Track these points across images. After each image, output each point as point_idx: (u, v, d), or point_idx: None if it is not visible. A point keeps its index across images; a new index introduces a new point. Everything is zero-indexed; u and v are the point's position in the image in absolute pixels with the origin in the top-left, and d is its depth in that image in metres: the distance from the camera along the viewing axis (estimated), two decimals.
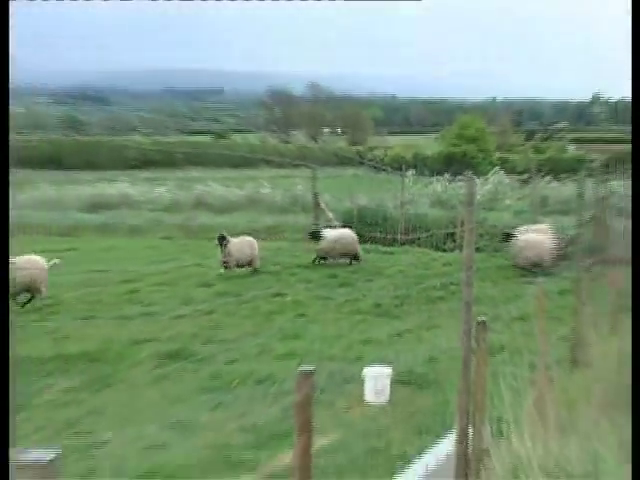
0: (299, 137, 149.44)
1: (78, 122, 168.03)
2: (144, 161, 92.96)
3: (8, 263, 5.12)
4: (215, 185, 47.23)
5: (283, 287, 23.86)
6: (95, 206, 43.59)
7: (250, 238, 28.13)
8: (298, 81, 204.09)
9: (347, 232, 30.05)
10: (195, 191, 44.68)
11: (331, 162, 78.79)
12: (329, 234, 29.47)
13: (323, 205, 36.64)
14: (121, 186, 47.74)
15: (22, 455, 3.98)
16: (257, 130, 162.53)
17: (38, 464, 3.95)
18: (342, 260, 29.41)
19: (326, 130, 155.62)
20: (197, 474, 10.29)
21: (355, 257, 29.65)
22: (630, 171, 7.11)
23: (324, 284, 25.03)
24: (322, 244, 29.12)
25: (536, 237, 26.69)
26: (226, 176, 56.09)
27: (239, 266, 27.30)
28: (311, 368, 6.44)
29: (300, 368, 6.45)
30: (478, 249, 24.31)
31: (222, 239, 27.03)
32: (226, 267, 26.95)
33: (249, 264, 27.62)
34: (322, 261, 29.21)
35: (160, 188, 46.96)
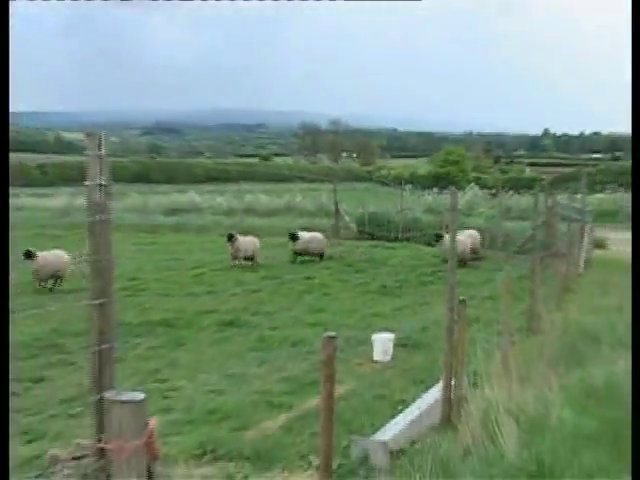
0: (323, 159, 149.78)
1: (159, 148, 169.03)
2: (208, 177, 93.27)
3: (8, 263, 5.08)
4: (261, 195, 47.28)
5: (312, 273, 23.88)
6: (171, 211, 43.77)
7: (253, 237, 27.37)
8: (323, 118, 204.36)
9: (318, 235, 28.86)
10: (246, 200, 44.70)
11: (348, 178, 78.73)
12: (304, 236, 28.26)
13: (342, 211, 36.74)
14: (190, 196, 47.85)
15: (119, 396, 4.01)
16: (292, 154, 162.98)
17: (132, 402, 3.98)
18: (314, 257, 28.27)
19: (344, 154, 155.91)
20: (247, 413, 10.31)
21: (321, 255, 28.33)
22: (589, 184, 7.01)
23: (343, 270, 25.07)
24: (298, 244, 28.06)
25: (459, 237, 25.93)
26: (269, 189, 56.12)
27: (245, 259, 26.50)
28: (333, 334, 6.48)
29: (325, 334, 6.50)
30: None
31: (231, 237, 26.21)
32: (234, 259, 26.26)
33: (251, 258, 26.63)
34: (299, 257, 27.92)
35: (219, 198, 47.08)
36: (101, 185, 4.19)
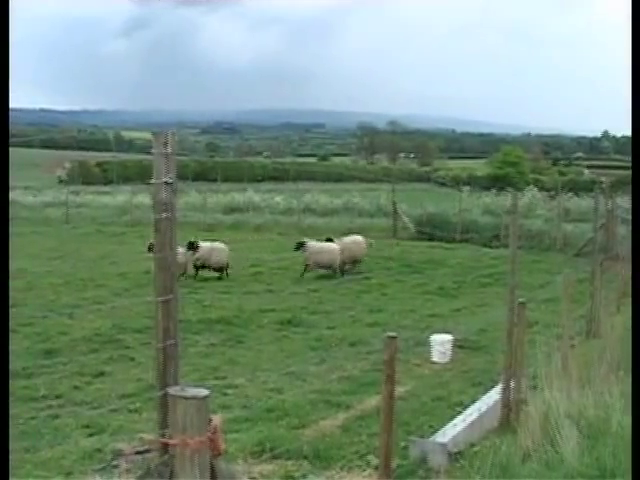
0: (381, 160, 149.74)
1: (217, 147, 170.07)
2: (266, 176, 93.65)
3: (8, 263, 5.10)
4: (319, 195, 47.34)
5: (370, 273, 23.85)
6: (230, 209, 44.01)
7: (332, 244, 25.43)
8: (381, 118, 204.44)
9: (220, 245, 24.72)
10: (304, 199, 44.75)
11: (406, 179, 78.55)
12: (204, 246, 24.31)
13: (400, 212, 36.68)
14: (249, 195, 48.03)
15: (183, 391, 4.04)
16: (350, 154, 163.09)
17: (196, 398, 4.01)
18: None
19: (401, 155, 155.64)
20: (306, 412, 10.33)
21: (220, 269, 24.30)
22: (630, 188, 6.88)
23: (401, 271, 24.98)
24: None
25: (327, 245, 24.54)
26: (327, 188, 56.14)
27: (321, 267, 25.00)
28: (394, 334, 6.48)
29: (386, 334, 6.50)
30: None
31: (301, 245, 24.39)
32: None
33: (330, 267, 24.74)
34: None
35: (278, 197, 47.19)
36: (167, 183, 4.22)
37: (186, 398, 4.01)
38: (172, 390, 4.10)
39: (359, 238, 26.63)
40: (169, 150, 4.22)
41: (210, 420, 4.15)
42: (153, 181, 4.23)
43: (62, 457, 8.56)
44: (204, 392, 4.09)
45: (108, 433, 9.35)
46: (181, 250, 21.82)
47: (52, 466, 8.32)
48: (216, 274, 23.31)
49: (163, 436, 4.18)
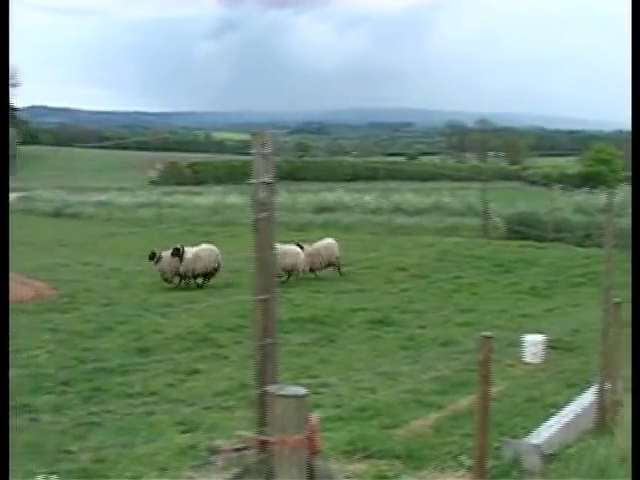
0: (470, 158, 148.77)
1: (306, 147, 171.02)
2: (355, 176, 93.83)
3: (8, 263, 5.12)
4: (408, 194, 47.18)
5: (461, 272, 23.65)
6: (319, 209, 44.13)
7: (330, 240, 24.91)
8: (470, 117, 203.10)
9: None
10: (393, 199, 44.63)
11: (495, 178, 77.81)
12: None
13: (490, 210, 36.34)
14: (338, 194, 48.12)
15: (281, 390, 4.07)
16: (439, 153, 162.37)
17: (294, 397, 4.03)
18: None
19: (490, 153, 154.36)
20: (398, 412, 10.31)
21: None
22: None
23: (492, 271, 24.71)
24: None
25: (292, 248, 23.01)
26: (416, 187, 55.94)
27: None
28: (489, 334, 6.43)
29: (481, 334, 6.45)
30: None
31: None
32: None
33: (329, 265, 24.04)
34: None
35: (367, 196, 47.15)
36: (266, 183, 4.26)
37: (285, 397, 4.04)
38: (271, 389, 4.13)
39: (331, 241, 25.01)
40: (267, 150, 4.25)
41: (308, 419, 4.17)
42: (252, 181, 4.27)
43: (157, 453, 8.69)
44: (303, 391, 4.11)
45: (202, 430, 9.46)
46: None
47: (147, 462, 8.45)
48: (282, 276, 22.45)
49: (261, 434, 4.22)
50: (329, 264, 24.05)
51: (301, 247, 22.96)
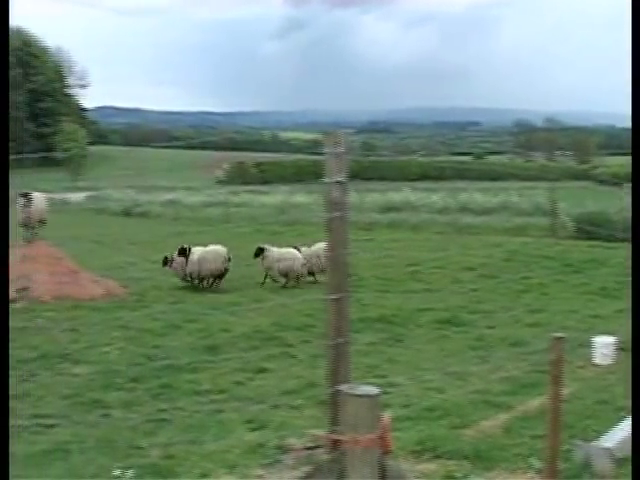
0: (538, 157, 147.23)
1: (372, 147, 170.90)
2: (421, 175, 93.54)
3: (8, 263, 5.12)
4: (475, 194, 46.87)
5: (529, 272, 23.40)
6: (386, 208, 44.05)
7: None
8: (538, 115, 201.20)
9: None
10: (460, 198, 44.38)
11: (564, 177, 76.87)
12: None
13: (559, 210, 35.93)
14: (405, 194, 47.99)
15: (354, 389, 4.07)
16: (506, 152, 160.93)
17: (367, 396, 4.03)
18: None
19: (559, 152, 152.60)
20: (466, 412, 10.23)
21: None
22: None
23: (561, 271, 24.41)
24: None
25: (289, 251, 22.34)
26: (483, 187, 55.54)
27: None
28: (561, 334, 6.36)
29: (553, 334, 6.38)
30: None
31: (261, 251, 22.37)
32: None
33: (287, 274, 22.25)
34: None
35: (434, 196, 46.96)
36: (339, 182, 4.26)
37: (357, 396, 4.04)
38: (343, 388, 4.13)
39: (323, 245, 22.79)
40: (340, 150, 4.26)
41: (380, 418, 4.16)
42: (325, 180, 4.28)
43: (226, 451, 8.75)
44: (375, 390, 4.11)
45: (271, 429, 9.49)
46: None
47: (217, 459, 8.51)
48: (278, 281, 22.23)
49: (333, 433, 4.22)
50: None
51: (298, 250, 22.40)
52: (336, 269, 4.32)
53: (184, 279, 21.85)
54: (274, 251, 22.00)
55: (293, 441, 8.43)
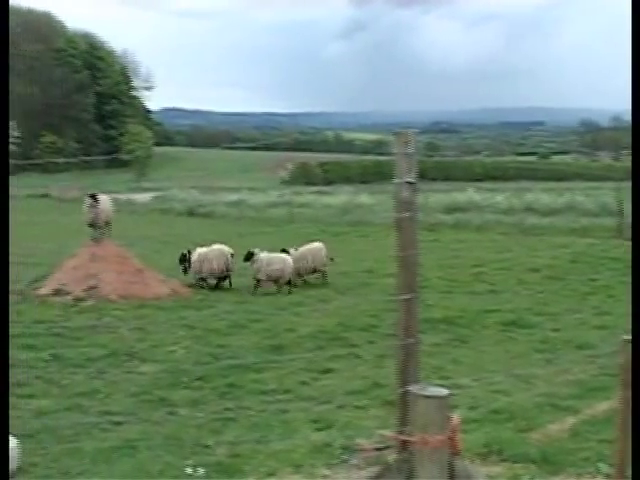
0: (604, 157, 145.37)
1: (436, 147, 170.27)
2: (486, 175, 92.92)
3: (8, 263, 5.11)
4: (540, 194, 46.42)
5: (595, 273, 23.09)
6: (451, 209, 43.82)
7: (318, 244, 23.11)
8: (604, 114, 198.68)
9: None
10: (525, 199, 43.98)
11: (630, 177, 75.74)
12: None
13: (625, 211, 35.40)
14: (469, 194, 47.70)
15: (423, 390, 4.06)
16: (571, 152, 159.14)
17: (437, 397, 4.02)
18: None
19: (624, 152, 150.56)
20: (532, 415, 10.12)
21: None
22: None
23: (628, 272, 23.98)
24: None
25: (278, 256, 21.69)
26: (549, 187, 55.01)
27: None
28: (631, 337, 6.28)
29: (622, 337, 6.31)
30: None
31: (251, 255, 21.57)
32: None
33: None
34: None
35: (499, 196, 46.63)
36: (409, 182, 4.26)
37: (427, 397, 4.04)
38: (413, 388, 4.13)
39: (318, 245, 23.12)
40: (410, 150, 4.25)
41: (450, 419, 4.15)
42: (395, 180, 4.28)
43: (292, 450, 8.79)
44: (445, 391, 4.10)
45: (336, 428, 9.51)
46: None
47: (282, 458, 8.55)
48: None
49: (402, 433, 4.22)
50: (315, 270, 22.65)
51: (287, 253, 21.93)
52: (406, 269, 4.31)
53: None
54: (263, 256, 21.35)
55: (361, 441, 8.44)
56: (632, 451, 5.28)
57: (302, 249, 22.54)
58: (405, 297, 4.28)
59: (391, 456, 4.51)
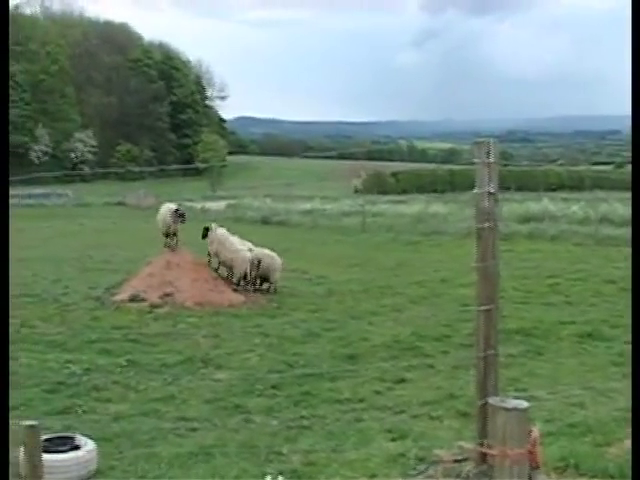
0: None
1: (510, 156, 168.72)
2: (560, 185, 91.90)
3: (8, 264, 5.08)
4: (616, 204, 45.66)
5: None
6: (525, 218, 43.32)
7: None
8: None
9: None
10: (600, 209, 43.29)
11: None
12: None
13: None
14: (544, 204, 47.12)
15: (503, 402, 4.03)
16: None
17: (517, 410, 3.98)
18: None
19: None
20: (610, 429, 9.95)
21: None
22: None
23: None
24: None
25: (239, 248, 21.34)
26: (624, 197, 54.03)
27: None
28: None
29: None
30: None
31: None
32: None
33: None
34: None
35: (574, 206, 46.00)
36: (489, 192, 4.23)
37: (507, 409, 4.00)
38: (493, 400, 4.10)
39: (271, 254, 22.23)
40: (491, 160, 4.22)
41: (530, 432, 4.11)
42: (476, 190, 4.25)
43: (366, 459, 8.78)
44: (525, 404, 4.06)
45: (411, 439, 9.47)
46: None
47: (357, 467, 8.55)
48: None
49: (482, 445, 4.18)
50: (264, 277, 21.91)
51: (250, 250, 21.52)
52: (486, 280, 4.28)
53: None
54: (219, 234, 21.30)
55: (439, 452, 8.40)
56: (632, 451, 5.18)
57: (254, 252, 21.73)
58: (485, 308, 4.25)
59: (466, 468, 4.47)
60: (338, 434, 9.77)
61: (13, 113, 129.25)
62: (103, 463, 8.79)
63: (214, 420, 10.51)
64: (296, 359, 13.88)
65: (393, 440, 9.51)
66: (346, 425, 10.19)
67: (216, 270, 21.57)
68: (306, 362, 13.62)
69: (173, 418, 10.62)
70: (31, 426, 4.86)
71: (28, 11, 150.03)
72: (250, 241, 22.19)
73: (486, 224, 4.24)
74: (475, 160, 4.25)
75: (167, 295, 19.34)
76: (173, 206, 21.77)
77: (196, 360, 13.81)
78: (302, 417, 10.55)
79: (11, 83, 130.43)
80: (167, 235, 21.24)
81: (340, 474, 8.37)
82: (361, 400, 11.42)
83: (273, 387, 12.10)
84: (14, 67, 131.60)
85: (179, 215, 20.96)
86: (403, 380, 12.55)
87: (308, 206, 56.57)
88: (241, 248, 21.26)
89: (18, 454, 8.43)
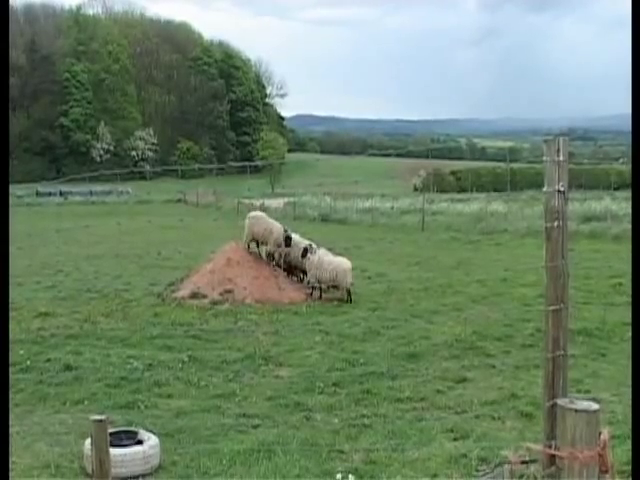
0: None
1: (572, 154, 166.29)
2: (623, 184, 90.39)
3: (8, 262, 5.01)
4: None
5: None
6: (586, 218, 42.80)
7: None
8: None
9: None
10: None
11: None
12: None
13: None
14: (605, 203, 46.55)
15: (572, 404, 3.97)
16: None
17: (586, 411, 3.92)
18: None
19: None
20: None
21: None
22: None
23: None
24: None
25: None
26: None
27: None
28: None
29: None
30: None
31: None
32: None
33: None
34: None
35: None
36: (559, 191, 4.17)
37: (576, 411, 3.93)
38: (561, 402, 4.03)
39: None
40: (561, 158, 4.16)
41: (600, 434, 4.04)
42: (545, 189, 4.19)
43: (428, 459, 8.75)
44: (595, 406, 3.99)
45: (472, 439, 9.41)
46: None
47: (418, 467, 8.52)
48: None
49: (550, 447, 4.12)
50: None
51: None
52: (555, 280, 4.21)
53: None
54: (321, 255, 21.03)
55: (506, 452, 8.31)
56: (632, 451, 5.06)
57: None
58: (554, 308, 4.18)
59: (529, 470, 4.41)
60: (399, 433, 9.74)
61: (76, 112, 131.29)
62: (165, 458, 8.87)
63: (275, 417, 10.54)
64: (356, 357, 13.85)
65: (454, 440, 9.47)
66: (407, 424, 10.15)
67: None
68: (366, 360, 13.58)
69: (234, 415, 10.67)
70: (99, 420, 4.89)
71: (90, 11, 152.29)
72: (310, 239, 22.15)
73: (555, 223, 4.18)
74: (544, 158, 4.19)
75: (227, 292, 19.45)
76: (280, 226, 21.59)
77: (257, 357, 13.85)
78: (363, 415, 10.54)
79: (74, 82, 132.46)
80: (253, 241, 21.32)
81: (401, 473, 8.35)
82: (422, 399, 11.36)
83: (334, 385, 12.10)
84: (77, 66, 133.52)
85: (286, 237, 20.91)
86: (464, 379, 12.46)
87: (367, 204, 56.54)
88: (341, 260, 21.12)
89: (82, 447, 8.56)
